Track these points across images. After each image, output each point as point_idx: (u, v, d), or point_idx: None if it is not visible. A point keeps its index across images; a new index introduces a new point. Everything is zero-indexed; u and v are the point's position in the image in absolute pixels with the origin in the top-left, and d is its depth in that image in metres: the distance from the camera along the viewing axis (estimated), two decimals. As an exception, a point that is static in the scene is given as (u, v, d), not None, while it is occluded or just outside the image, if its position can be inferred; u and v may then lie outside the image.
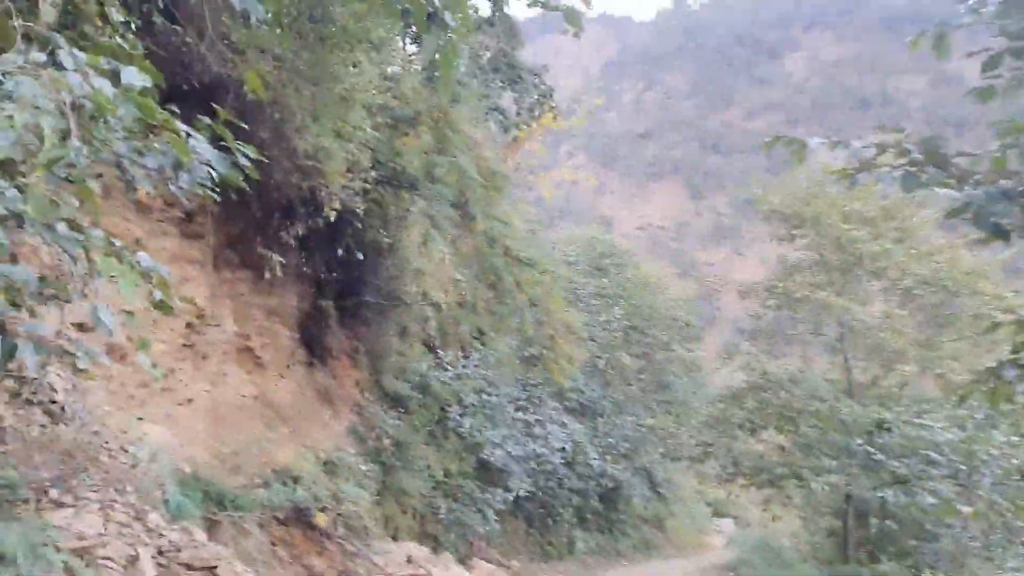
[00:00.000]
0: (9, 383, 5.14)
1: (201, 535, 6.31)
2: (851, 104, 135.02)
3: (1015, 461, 10.26)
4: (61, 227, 2.77)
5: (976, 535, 11.48)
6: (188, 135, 2.90)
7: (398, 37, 11.03)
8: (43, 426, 5.39)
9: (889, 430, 13.29)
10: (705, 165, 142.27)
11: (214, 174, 3.00)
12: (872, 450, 12.35)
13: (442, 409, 14.43)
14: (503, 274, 10.49)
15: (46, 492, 4.87)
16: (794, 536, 21.25)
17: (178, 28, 6.94)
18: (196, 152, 2.91)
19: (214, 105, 3.47)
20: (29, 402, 5.32)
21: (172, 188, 3.00)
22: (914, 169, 4.06)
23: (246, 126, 3.58)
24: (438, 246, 12.14)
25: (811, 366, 16.11)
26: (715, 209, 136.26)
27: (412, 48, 12.74)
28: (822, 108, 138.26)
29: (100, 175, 3.59)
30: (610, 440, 19.75)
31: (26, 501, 4.63)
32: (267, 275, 9.28)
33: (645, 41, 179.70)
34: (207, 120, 3.09)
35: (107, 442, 6.16)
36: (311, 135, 7.67)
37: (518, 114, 20.13)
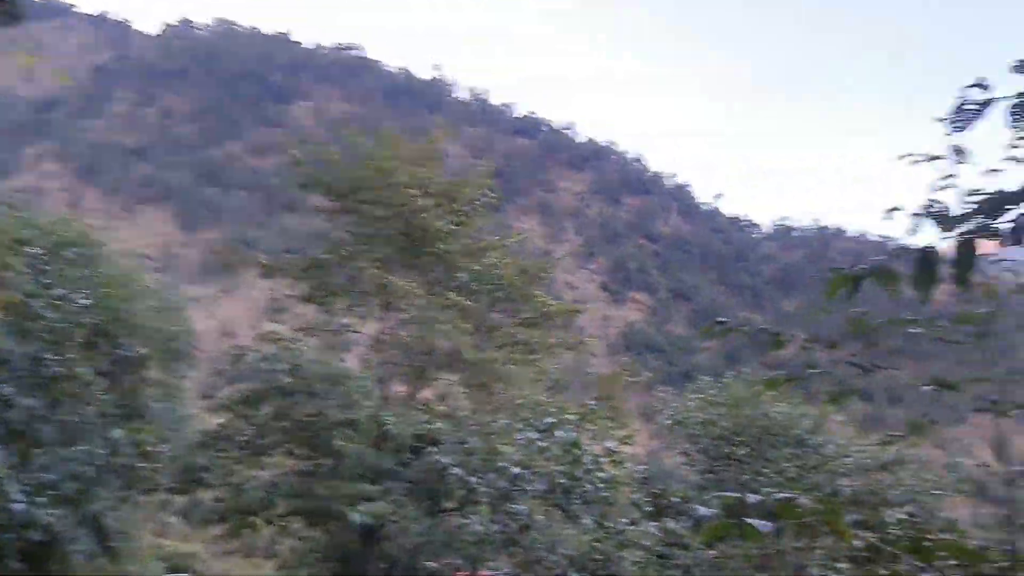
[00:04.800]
0: None
1: None
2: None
3: (603, 473, 8.46)
4: None
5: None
6: None
7: None
8: None
9: (441, 443, 10.82)
10: (201, 195, 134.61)
11: None
12: (446, 462, 9.62)
13: None
14: None
15: None
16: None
17: None
18: None
19: None
20: None
21: None
22: None
23: None
24: None
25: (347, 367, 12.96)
26: (207, 243, 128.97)
27: None
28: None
29: None
30: (51, 477, 13.86)
31: None
32: None
33: (146, 54, 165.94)
34: None
35: None
36: None
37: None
